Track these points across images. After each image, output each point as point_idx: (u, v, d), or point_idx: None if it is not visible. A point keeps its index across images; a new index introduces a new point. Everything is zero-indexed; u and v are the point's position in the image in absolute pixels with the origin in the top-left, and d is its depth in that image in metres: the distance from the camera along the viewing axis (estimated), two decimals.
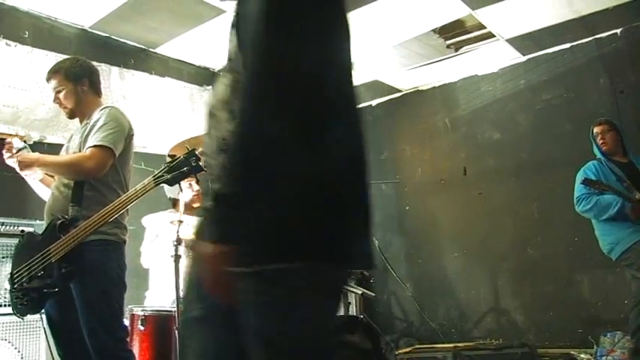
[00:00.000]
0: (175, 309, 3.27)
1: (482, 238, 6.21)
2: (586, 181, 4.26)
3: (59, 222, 2.76)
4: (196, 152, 2.66)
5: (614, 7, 5.12)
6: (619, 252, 4.31)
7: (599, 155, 4.53)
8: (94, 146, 2.87)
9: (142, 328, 3.31)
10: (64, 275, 2.68)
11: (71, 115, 3.16)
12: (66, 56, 4.75)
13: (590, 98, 5.78)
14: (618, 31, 5.66)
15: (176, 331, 3.22)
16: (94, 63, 4.92)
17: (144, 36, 5.31)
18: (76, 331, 2.76)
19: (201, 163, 2.63)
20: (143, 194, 2.68)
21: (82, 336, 2.74)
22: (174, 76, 5.72)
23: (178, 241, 3.40)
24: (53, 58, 4.70)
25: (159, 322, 3.38)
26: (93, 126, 2.96)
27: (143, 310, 3.40)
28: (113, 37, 5.22)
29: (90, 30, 5.05)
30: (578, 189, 4.44)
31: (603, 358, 4.94)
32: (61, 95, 3.07)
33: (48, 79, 3.13)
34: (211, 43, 5.49)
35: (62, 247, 2.69)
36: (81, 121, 3.14)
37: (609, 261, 4.46)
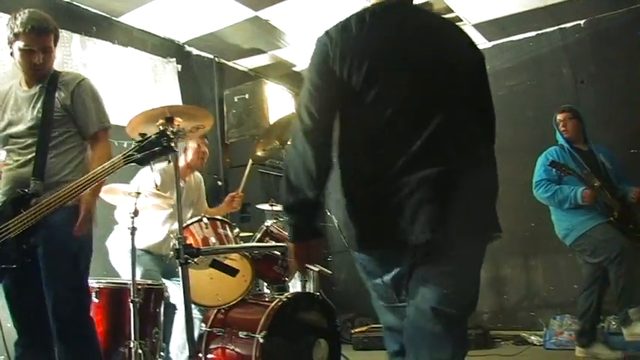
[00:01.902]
0: (131, 281, 3.24)
1: None
2: (553, 164, 4.32)
3: (18, 196, 2.66)
4: (167, 132, 2.62)
5: None
6: (573, 238, 4.41)
7: (561, 141, 4.60)
8: (104, 129, 2.93)
9: (96, 300, 3.27)
10: (24, 251, 2.60)
11: (38, 79, 2.86)
12: None
13: (552, 87, 5.87)
14: (582, 22, 5.74)
15: (130, 304, 3.20)
16: None
17: (107, 4, 5.17)
18: (36, 304, 2.69)
19: (172, 144, 2.61)
20: (112, 172, 2.61)
21: (42, 309, 2.66)
22: (137, 46, 5.60)
23: (135, 213, 3.37)
24: None
25: (113, 295, 3.34)
26: (77, 99, 2.85)
27: (98, 283, 3.34)
28: (75, 3, 5.08)
29: None
30: (538, 173, 4.51)
31: (552, 339, 5.07)
32: (48, 56, 2.83)
33: (41, 34, 2.78)
34: (176, 14, 5.40)
35: (22, 223, 2.58)
36: (32, 85, 2.88)
37: (563, 246, 4.55)
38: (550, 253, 5.52)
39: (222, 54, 6.51)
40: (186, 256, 2.75)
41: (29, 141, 2.80)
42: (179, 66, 5.95)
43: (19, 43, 2.76)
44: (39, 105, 2.82)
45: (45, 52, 2.80)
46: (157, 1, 5.14)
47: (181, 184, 3.87)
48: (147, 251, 3.98)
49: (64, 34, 4.92)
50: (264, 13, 5.47)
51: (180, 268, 2.73)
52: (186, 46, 6.17)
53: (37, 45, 2.77)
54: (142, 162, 2.61)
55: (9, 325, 2.84)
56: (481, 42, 6.21)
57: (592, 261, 4.40)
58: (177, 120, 2.94)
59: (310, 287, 4.32)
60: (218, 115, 6.34)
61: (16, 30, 2.75)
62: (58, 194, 2.58)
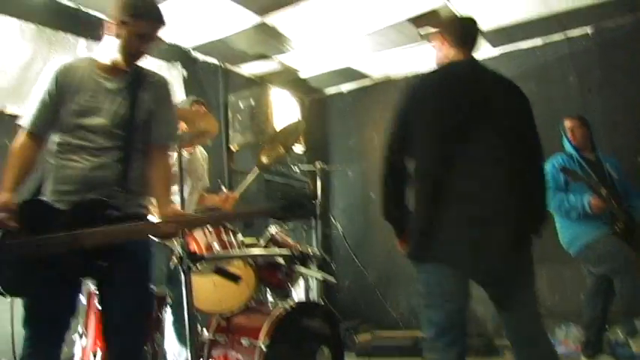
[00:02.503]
0: None
1: None
2: (564, 170, 4.26)
3: (98, 203, 2.41)
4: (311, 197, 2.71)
5: (587, 6, 5.17)
6: (578, 247, 4.38)
7: (568, 149, 4.57)
8: (171, 144, 2.82)
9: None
10: (96, 269, 2.40)
11: (123, 71, 2.60)
12: (32, 25, 4.68)
13: (559, 95, 5.85)
14: (589, 30, 5.72)
15: None
16: (61, 33, 4.87)
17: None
18: (61, 315, 2.49)
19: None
20: (241, 219, 2.59)
21: (64, 322, 2.49)
22: None
23: None
24: (17, 26, 4.57)
25: None
26: (162, 105, 2.67)
27: None
28: (82, 7, 5.09)
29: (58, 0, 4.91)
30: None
31: (557, 349, 5.03)
32: (150, 48, 2.62)
33: (160, 25, 2.61)
34: (183, 20, 5.39)
35: (99, 239, 2.31)
36: (116, 75, 2.60)
37: (567, 256, 4.52)
38: (555, 263, 5.48)
39: (228, 60, 6.51)
40: (189, 262, 2.74)
41: (107, 142, 2.52)
42: (184, 71, 5.95)
43: (136, 25, 2.52)
44: (125, 102, 2.57)
45: (152, 41, 2.61)
46: (163, 7, 5.12)
47: (186, 155, 3.86)
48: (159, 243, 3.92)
49: (70, 38, 4.94)
50: (271, 20, 5.47)
51: (182, 275, 2.72)
52: (192, 51, 6.18)
53: (152, 34, 2.59)
54: (282, 219, 2.57)
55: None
56: (488, 49, 6.21)
57: (596, 271, 4.39)
58: (182, 126, 2.94)
59: (314, 295, 4.31)
60: (223, 121, 6.35)
61: (137, 11, 2.54)
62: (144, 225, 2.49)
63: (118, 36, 2.53)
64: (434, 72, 2.74)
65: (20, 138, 2.55)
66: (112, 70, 2.58)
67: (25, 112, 2.56)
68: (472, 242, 2.47)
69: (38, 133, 2.54)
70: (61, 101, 2.50)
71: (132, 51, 2.55)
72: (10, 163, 2.49)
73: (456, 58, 2.72)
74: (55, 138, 2.54)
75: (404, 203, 2.67)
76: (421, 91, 2.68)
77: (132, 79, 2.60)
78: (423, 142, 2.57)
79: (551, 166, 4.43)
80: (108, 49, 2.57)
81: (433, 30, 3.00)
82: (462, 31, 2.77)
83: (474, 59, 2.76)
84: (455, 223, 2.47)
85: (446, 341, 2.50)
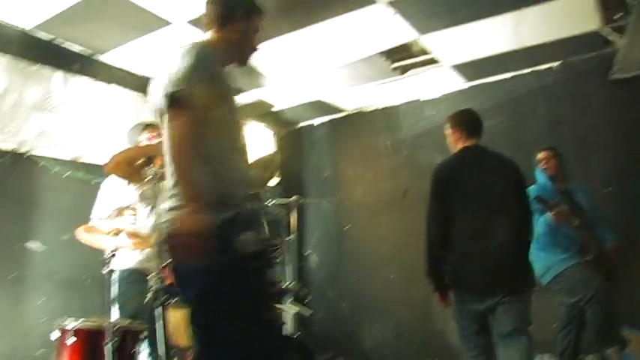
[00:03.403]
0: (108, 323, 3.19)
1: (420, 259, 6.26)
2: (538, 199, 4.31)
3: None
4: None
5: (554, 41, 5.31)
6: (551, 276, 4.43)
7: (541, 180, 4.65)
8: None
9: (71, 341, 3.21)
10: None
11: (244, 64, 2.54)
12: (6, 56, 4.67)
13: (529, 127, 5.96)
14: (555, 64, 5.86)
15: (104, 347, 3.13)
16: (36, 65, 4.87)
17: (90, 41, 5.19)
18: None
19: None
20: None
21: None
22: (119, 83, 5.62)
23: (113, 254, 3.33)
24: None
25: (89, 336, 3.28)
26: None
27: (74, 323, 3.29)
28: (57, 40, 5.09)
29: (32, 32, 4.91)
30: None
31: None
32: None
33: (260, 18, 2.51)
34: (158, 53, 5.43)
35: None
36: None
37: (539, 285, 4.56)
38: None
39: None
40: (165, 296, 2.72)
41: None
42: None
43: (254, 20, 2.47)
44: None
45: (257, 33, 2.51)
46: (137, 40, 5.18)
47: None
48: (133, 271, 3.91)
49: (45, 70, 4.94)
50: None
51: (158, 309, 2.70)
52: None
53: (261, 28, 2.51)
54: None
55: None
56: (459, 82, 6.32)
57: (569, 300, 4.43)
58: (157, 160, 2.95)
59: (288, 328, 4.29)
60: None
61: (255, 4, 2.48)
62: None
63: (236, 33, 2.44)
64: (454, 156, 3.70)
65: None
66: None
67: None
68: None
69: None
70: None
71: (251, 50, 2.51)
72: None
73: (467, 144, 3.67)
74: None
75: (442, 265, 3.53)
76: (446, 170, 3.63)
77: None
78: (458, 206, 3.47)
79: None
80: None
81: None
82: (470, 124, 3.73)
83: (479, 145, 3.70)
84: None
85: None
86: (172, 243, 1.99)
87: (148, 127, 4.13)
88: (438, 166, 3.66)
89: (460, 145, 3.71)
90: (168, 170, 2.15)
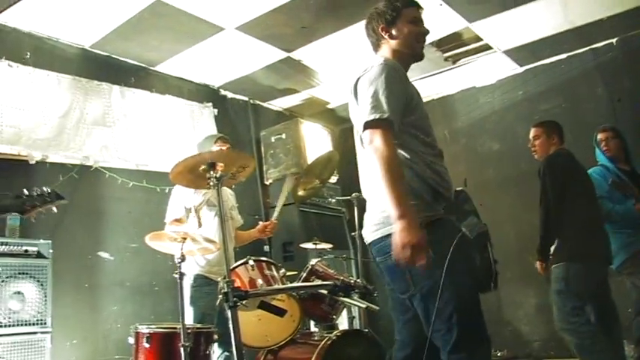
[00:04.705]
0: (181, 326, 3.27)
1: None
2: (614, 183, 4.22)
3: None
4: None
5: (608, 17, 5.17)
6: (620, 261, 4.30)
7: (602, 161, 4.50)
8: None
9: (147, 345, 3.31)
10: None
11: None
12: (68, 76, 4.85)
13: (588, 107, 5.82)
14: (614, 40, 5.70)
15: (181, 349, 3.22)
16: (95, 82, 5.04)
17: (144, 54, 5.35)
18: None
19: None
20: None
21: None
22: (174, 93, 5.75)
23: (182, 258, 3.40)
24: (54, 78, 4.75)
25: (164, 340, 3.37)
26: None
27: (148, 328, 3.39)
28: (113, 55, 5.26)
29: (90, 49, 5.09)
30: None
31: None
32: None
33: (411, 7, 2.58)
34: (210, 60, 5.54)
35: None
36: None
37: (611, 269, 4.45)
38: None
39: (257, 95, 6.64)
40: (235, 299, 2.77)
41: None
42: (215, 110, 6.07)
43: (407, 15, 2.54)
44: None
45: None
46: (190, 50, 5.29)
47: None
48: (204, 277, 4.00)
49: (104, 86, 5.11)
50: (296, 54, 5.58)
51: (229, 312, 2.75)
52: (221, 90, 6.31)
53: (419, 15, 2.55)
54: None
55: None
56: (513, 68, 6.23)
57: None
58: (219, 165, 3.01)
59: (358, 323, 4.32)
60: (256, 156, 6.42)
61: (401, 3, 2.53)
62: None
63: (402, 36, 2.54)
64: (559, 155, 4.18)
65: None
66: None
67: None
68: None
69: None
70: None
71: (422, 45, 2.61)
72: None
73: (561, 147, 4.26)
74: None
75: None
76: (567, 163, 4.15)
77: None
78: (573, 195, 3.98)
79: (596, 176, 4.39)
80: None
81: None
82: (562, 131, 4.35)
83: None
84: None
85: None
86: (397, 257, 2.05)
87: (220, 139, 4.23)
88: (556, 158, 4.15)
89: (554, 149, 4.25)
90: (370, 187, 2.35)
